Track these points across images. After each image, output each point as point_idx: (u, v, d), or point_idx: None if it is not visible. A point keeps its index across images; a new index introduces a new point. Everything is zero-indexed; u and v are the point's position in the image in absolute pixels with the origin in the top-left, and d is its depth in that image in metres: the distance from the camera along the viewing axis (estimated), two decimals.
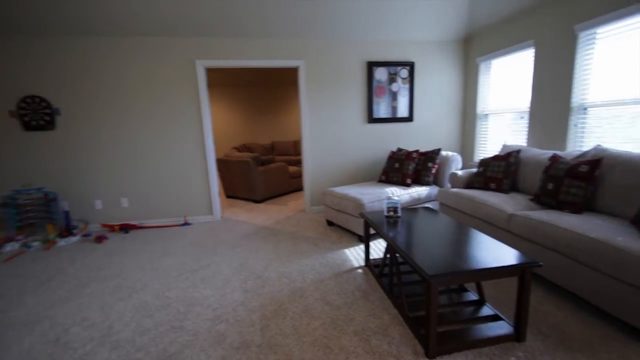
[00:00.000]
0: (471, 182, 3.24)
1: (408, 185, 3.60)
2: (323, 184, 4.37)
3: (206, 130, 3.95)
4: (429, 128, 4.52)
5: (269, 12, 3.54)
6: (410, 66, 4.28)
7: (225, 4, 3.36)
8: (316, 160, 4.29)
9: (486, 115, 4.17)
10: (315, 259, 2.78)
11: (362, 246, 3.06)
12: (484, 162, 3.19)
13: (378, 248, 3.02)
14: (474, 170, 3.42)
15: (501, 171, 2.98)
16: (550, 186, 2.41)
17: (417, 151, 3.72)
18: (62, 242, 3.42)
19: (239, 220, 4.10)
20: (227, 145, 8.43)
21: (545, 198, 2.44)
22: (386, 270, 2.41)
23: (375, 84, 4.23)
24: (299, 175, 5.74)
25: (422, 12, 3.79)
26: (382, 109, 4.32)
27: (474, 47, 4.20)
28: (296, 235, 3.44)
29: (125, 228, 3.78)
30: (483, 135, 4.25)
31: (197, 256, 2.96)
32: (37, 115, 3.62)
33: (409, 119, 4.42)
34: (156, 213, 4.05)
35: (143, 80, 3.74)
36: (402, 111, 4.39)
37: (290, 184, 5.58)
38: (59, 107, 3.65)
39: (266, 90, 8.42)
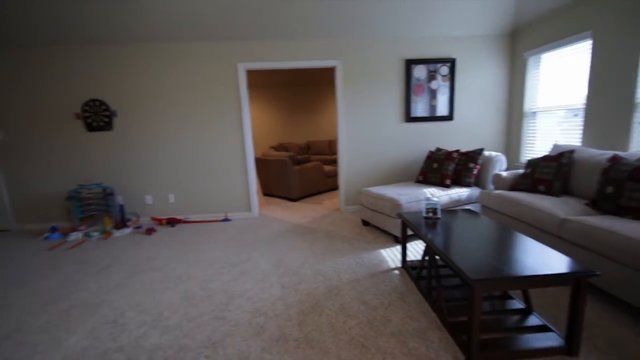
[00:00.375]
0: (517, 184, 3.07)
1: (447, 187, 3.48)
2: (358, 184, 4.36)
3: (246, 131, 4.11)
4: (470, 127, 4.34)
5: (307, 14, 3.59)
6: (451, 63, 4.12)
7: (265, 7, 3.47)
8: (352, 159, 4.29)
9: (534, 113, 3.91)
10: (351, 258, 2.78)
11: (398, 247, 3.02)
12: (532, 163, 3.00)
13: (415, 250, 2.96)
14: (520, 171, 3.23)
15: (552, 172, 2.78)
16: (609, 190, 2.22)
17: (457, 151, 3.59)
18: (117, 233, 3.74)
19: (275, 218, 4.21)
20: (264, 144, 8.68)
21: (604, 203, 2.24)
22: (424, 272, 2.36)
23: (413, 82, 4.14)
24: (334, 175, 5.77)
25: (463, 5, 3.64)
26: (420, 108, 4.22)
27: (521, 41, 3.95)
28: (332, 234, 3.47)
29: (172, 222, 4.04)
30: (530, 135, 3.99)
31: (237, 251, 3.09)
32: (98, 117, 3.98)
33: (449, 117, 4.27)
34: (199, 208, 4.28)
35: (189, 83, 3.97)
36: (442, 110, 4.25)
37: (325, 183, 5.62)
38: (116, 109, 3.99)
39: (302, 90, 8.54)
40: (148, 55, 3.88)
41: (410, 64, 4.08)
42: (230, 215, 4.30)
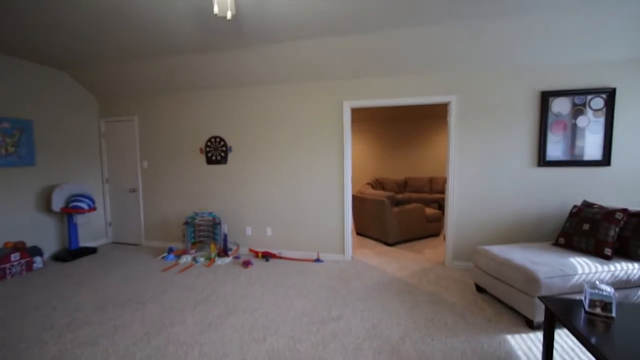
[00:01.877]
0: None
1: (607, 258, 2.56)
2: (470, 238, 3.67)
3: (346, 170, 3.96)
4: (637, 176, 3.25)
5: (418, 49, 3.32)
6: (609, 94, 3.22)
7: (373, 45, 3.34)
8: (464, 207, 3.66)
9: None
10: (465, 342, 2.20)
11: (533, 335, 2.28)
12: None
13: (562, 343, 2.18)
14: None
15: None
16: None
17: (624, 210, 2.65)
18: (219, 262, 3.94)
19: (369, 265, 3.84)
20: (359, 179, 8.52)
21: None
22: None
23: (551, 118, 3.36)
24: (436, 219, 5.12)
25: (622, 20, 2.82)
26: (558, 149, 3.38)
27: None
28: (437, 298, 2.90)
29: (267, 256, 4.08)
30: None
31: (328, 303, 2.82)
32: (217, 151, 4.42)
33: (603, 162, 3.29)
34: (294, 244, 4.24)
35: (295, 121, 4.08)
36: (592, 152, 3.31)
37: (426, 228, 5.01)
38: (231, 145, 4.37)
39: (402, 124, 8.18)
40: (261, 95, 4.18)
41: (547, 96, 3.35)
42: (322, 256, 4.13)
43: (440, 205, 6.66)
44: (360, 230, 5.27)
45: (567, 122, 3.34)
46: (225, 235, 4.23)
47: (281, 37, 3.31)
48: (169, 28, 3.11)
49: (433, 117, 7.82)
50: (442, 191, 7.51)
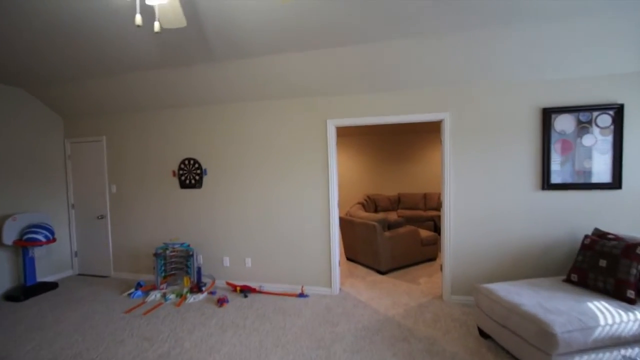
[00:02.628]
0: None
1: (630, 302, 2.21)
2: (469, 268, 3.31)
3: (332, 192, 3.59)
4: None
5: (408, 63, 3.02)
6: (617, 110, 2.93)
7: (358, 59, 3.03)
8: (461, 235, 3.31)
9: None
10: None
11: None
12: None
13: None
14: None
15: None
16: None
17: None
18: (191, 299, 3.51)
19: (359, 301, 3.44)
20: (349, 197, 8.16)
21: None
22: None
23: (554, 136, 3.06)
24: (432, 242, 4.76)
25: (629, 31, 2.55)
26: (564, 172, 3.06)
27: None
28: (435, 346, 2.51)
29: (245, 291, 3.66)
30: None
31: (310, 357, 2.42)
32: (191, 174, 4.03)
33: (614, 185, 2.98)
34: (275, 277, 3.83)
35: (276, 141, 3.73)
36: (601, 174, 3.00)
37: (421, 252, 4.64)
38: (206, 167, 3.99)
39: (394, 138, 7.89)
40: (237, 113, 3.83)
41: (549, 113, 3.05)
42: (307, 289, 3.72)
43: (436, 225, 6.31)
44: (350, 255, 4.88)
45: (572, 141, 3.03)
46: (199, 269, 3.81)
47: (255, 51, 2.99)
48: (127, 44, 2.77)
49: (427, 130, 7.55)
50: (437, 208, 7.18)
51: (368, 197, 7.29)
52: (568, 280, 2.63)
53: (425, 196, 7.43)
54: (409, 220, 6.76)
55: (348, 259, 4.98)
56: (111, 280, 4.34)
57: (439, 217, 6.65)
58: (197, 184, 4.01)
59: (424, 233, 4.82)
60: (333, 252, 3.63)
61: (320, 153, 3.61)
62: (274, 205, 3.79)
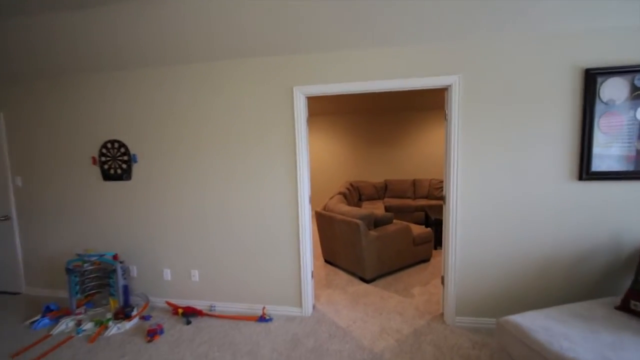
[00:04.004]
0: None
1: None
2: (480, 281, 2.54)
3: (302, 185, 2.71)
4: None
5: (404, 8, 2.10)
6: None
7: (336, 3, 2.09)
8: (470, 237, 2.52)
9: None
10: None
11: None
12: None
13: None
14: None
15: None
16: None
17: None
18: (113, 329, 2.61)
19: (338, 327, 2.63)
20: (330, 185, 7.31)
21: None
22: None
23: (599, 108, 2.25)
24: (426, 240, 3.99)
25: None
26: (611, 156, 2.28)
27: None
28: None
29: (189, 315, 2.79)
30: None
31: None
32: (116, 162, 3.05)
33: None
34: (230, 294, 2.97)
35: (227, 118, 2.78)
36: None
37: (413, 253, 3.87)
38: (135, 153, 3.01)
39: (379, 118, 7.01)
40: (175, 79, 2.83)
41: (594, 76, 2.23)
42: (272, 310, 2.88)
43: (427, 216, 5.56)
44: (329, 258, 4.06)
45: (624, 114, 2.24)
46: (126, 287, 2.89)
47: None
48: None
49: (417, 108, 6.71)
50: (428, 196, 6.44)
51: (351, 184, 6.46)
52: (625, 309, 1.88)
53: (414, 183, 6.68)
54: (397, 211, 6.01)
55: (327, 261, 4.17)
56: (22, 298, 3.37)
57: (429, 206, 5.91)
58: (125, 174, 3.04)
59: (416, 229, 4.04)
60: (304, 262, 2.78)
61: (286, 133, 2.69)
62: (227, 201, 2.87)
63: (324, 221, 3.94)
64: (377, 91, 2.54)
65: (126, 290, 2.88)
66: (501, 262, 2.50)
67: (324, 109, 6.68)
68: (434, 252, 4.38)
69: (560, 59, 2.27)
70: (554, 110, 2.31)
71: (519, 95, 2.34)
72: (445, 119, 2.53)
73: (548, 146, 2.34)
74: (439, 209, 5.29)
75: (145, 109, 2.92)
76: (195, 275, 3.02)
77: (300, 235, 2.76)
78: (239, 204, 2.85)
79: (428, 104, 6.31)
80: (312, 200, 7.57)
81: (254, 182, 2.80)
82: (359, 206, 6.06)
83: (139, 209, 3.06)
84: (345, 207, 3.79)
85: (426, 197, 6.46)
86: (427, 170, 6.90)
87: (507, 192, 2.43)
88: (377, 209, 5.70)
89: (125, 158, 3.01)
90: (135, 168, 3.02)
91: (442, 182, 6.33)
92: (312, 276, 2.89)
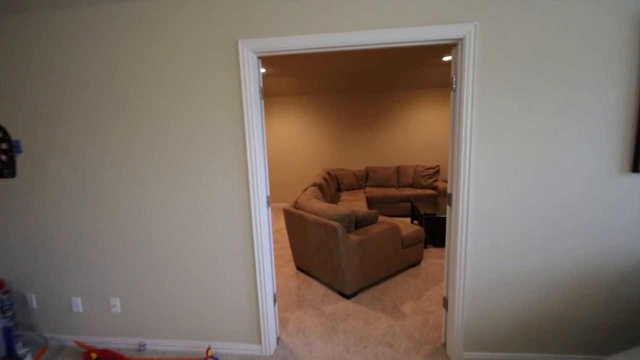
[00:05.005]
0: None
1: None
2: (496, 303, 1.92)
3: (255, 181, 1.95)
4: None
5: None
6: None
7: None
8: (484, 247, 1.87)
9: None
10: None
11: None
12: None
13: None
14: None
15: None
16: None
17: None
18: None
19: None
20: (305, 174, 6.55)
21: None
22: None
23: None
24: (417, 241, 3.36)
25: None
26: None
27: None
28: None
29: None
30: None
31: None
32: None
33: None
34: (165, 329, 2.22)
35: (150, 87, 1.94)
36: None
37: (402, 257, 3.24)
38: (20, 139, 2.12)
39: (358, 99, 6.26)
40: (70, 30, 1.94)
41: None
42: (220, 349, 2.16)
43: (414, 207, 4.96)
44: (302, 265, 3.37)
45: None
46: (9, 330, 2.05)
47: None
48: None
49: (400, 86, 5.99)
50: (413, 184, 5.85)
51: (328, 173, 5.74)
52: None
53: (398, 170, 6.05)
54: (380, 202, 5.39)
55: (299, 269, 3.48)
56: None
57: (415, 197, 5.33)
58: (6, 169, 2.15)
59: (405, 228, 3.40)
60: (262, 284, 2.06)
61: (231, 111, 1.90)
62: (156, 205, 2.07)
63: (293, 221, 3.21)
64: (359, 47, 1.77)
65: (9, 334, 2.04)
66: (524, 280, 1.88)
67: (295, 87, 5.84)
68: (424, 251, 3.79)
69: (619, 4, 1.59)
70: (604, 78, 1.65)
71: (556, 57, 1.65)
72: (453, 88, 1.83)
73: (592, 127, 1.70)
74: (427, 200, 4.69)
75: (31, 76, 2.02)
76: (117, 304, 2.23)
77: (256, 249, 2.02)
78: (171, 209, 2.06)
79: (412, 82, 5.61)
80: (284, 193, 6.77)
81: (191, 178, 2.01)
82: (338, 198, 5.37)
83: (32, 218, 2.19)
84: (319, 205, 3.06)
85: (411, 186, 5.87)
86: (411, 156, 6.28)
87: (533, 188, 1.78)
88: (357, 200, 5.04)
89: (3, 146, 2.12)
90: (21, 161, 2.14)
91: (428, 169, 5.74)
92: (274, 301, 2.18)
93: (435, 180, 5.66)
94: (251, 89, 1.85)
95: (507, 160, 1.77)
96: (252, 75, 1.85)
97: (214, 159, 1.96)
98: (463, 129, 1.75)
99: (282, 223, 5.28)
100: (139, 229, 2.10)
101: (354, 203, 4.83)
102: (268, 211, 2.08)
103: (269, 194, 2.11)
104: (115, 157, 2.04)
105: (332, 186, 5.46)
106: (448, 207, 1.98)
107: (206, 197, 2.01)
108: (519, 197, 1.80)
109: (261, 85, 1.97)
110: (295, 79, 5.33)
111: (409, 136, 6.21)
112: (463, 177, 1.81)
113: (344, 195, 5.50)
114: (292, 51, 1.83)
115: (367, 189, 5.81)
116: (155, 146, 1.99)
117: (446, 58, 4.41)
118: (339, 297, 2.86)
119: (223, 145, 1.94)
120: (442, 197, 4.90)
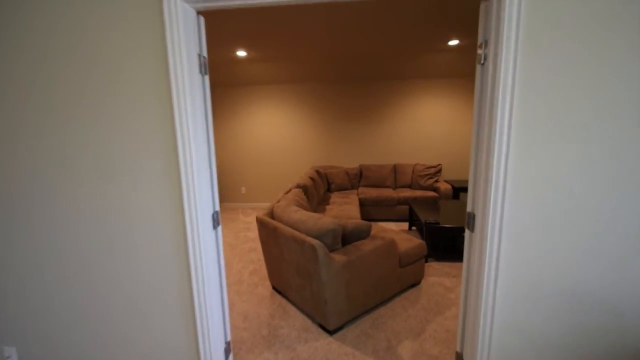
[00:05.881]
0: None
1: None
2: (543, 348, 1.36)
3: (192, 191, 1.35)
4: None
5: None
6: None
7: None
8: (523, 285, 1.30)
9: None
10: None
11: None
12: None
13: None
14: None
15: None
16: None
17: None
18: None
19: None
20: (290, 172, 5.95)
21: None
22: None
23: None
24: (417, 258, 2.79)
25: None
26: None
27: None
28: None
29: None
30: None
31: None
32: None
33: None
34: None
35: (30, 68, 1.33)
36: None
37: (398, 278, 2.68)
38: None
39: (351, 89, 5.64)
40: None
41: None
42: None
43: (412, 210, 4.39)
44: (278, 286, 2.78)
45: None
46: None
47: None
48: None
49: (398, 76, 5.38)
50: (411, 185, 5.29)
51: (318, 172, 5.15)
52: None
53: (395, 169, 5.48)
54: (375, 204, 4.82)
55: (275, 289, 2.90)
56: None
57: (414, 199, 4.77)
58: None
59: (404, 242, 2.82)
60: (205, 340, 1.47)
61: (152, 89, 1.29)
62: (69, 220, 1.47)
63: (267, 234, 2.62)
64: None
65: None
66: (574, 336, 1.32)
67: (281, 75, 5.21)
68: (425, 266, 3.23)
69: None
70: None
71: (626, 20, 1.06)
72: (480, 62, 1.24)
73: None
74: (427, 203, 4.13)
75: None
76: (12, 356, 1.63)
77: (196, 294, 1.42)
78: (78, 225, 1.46)
79: (413, 71, 5.02)
80: (269, 195, 6.06)
81: (99, 187, 1.41)
82: (327, 200, 4.79)
83: None
84: (298, 214, 2.47)
85: (409, 187, 5.30)
86: (410, 153, 5.70)
87: (591, 203, 1.21)
88: (349, 203, 4.46)
89: None
90: None
91: (428, 167, 5.17)
92: (228, 353, 1.59)
93: (437, 181, 5.10)
94: (183, 58, 1.24)
95: (569, 160, 1.19)
96: (183, 36, 1.23)
97: (125, 167, 1.35)
98: (498, 116, 1.16)
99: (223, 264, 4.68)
100: (46, 255, 1.50)
101: (345, 207, 4.24)
102: (216, 234, 1.49)
103: (217, 209, 1.51)
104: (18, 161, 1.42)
105: (322, 186, 4.87)
106: (467, 231, 1.40)
107: (131, 214, 1.41)
108: (571, 218, 1.22)
109: (204, 54, 1.37)
110: (279, 64, 4.70)
111: (407, 131, 5.62)
112: (495, 189, 1.23)
113: (334, 197, 4.92)
114: (244, 4, 1.23)
115: (361, 190, 5.23)
116: (59, 146, 1.38)
117: (452, 42, 3.82)
118: (320, 331, 2.29)
119: (142, 143, 1.33)
120: (443, 200, 4.34)
